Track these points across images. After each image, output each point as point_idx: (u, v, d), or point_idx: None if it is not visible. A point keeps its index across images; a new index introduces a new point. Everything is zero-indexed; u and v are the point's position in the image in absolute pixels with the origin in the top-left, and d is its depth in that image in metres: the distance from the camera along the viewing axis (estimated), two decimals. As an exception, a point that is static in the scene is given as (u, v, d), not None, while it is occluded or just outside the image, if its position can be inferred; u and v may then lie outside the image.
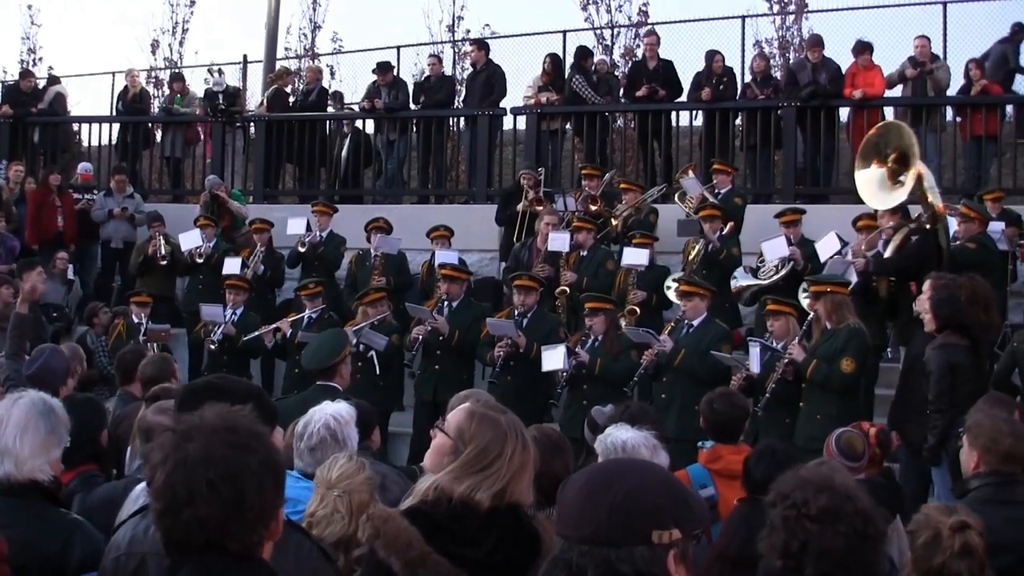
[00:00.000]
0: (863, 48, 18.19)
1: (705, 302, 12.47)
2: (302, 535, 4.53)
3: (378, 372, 13.51)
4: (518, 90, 20.49)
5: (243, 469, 3.23)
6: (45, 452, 4.85)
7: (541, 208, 16.41)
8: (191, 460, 3.21)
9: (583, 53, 20.14)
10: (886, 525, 4.12)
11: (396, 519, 4.19)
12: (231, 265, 16.52)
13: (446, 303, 13.80)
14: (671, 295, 14.50)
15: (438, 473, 4.34)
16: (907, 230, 12.49)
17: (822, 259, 13.65)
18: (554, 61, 20.17)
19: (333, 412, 6.23)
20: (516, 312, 13.34)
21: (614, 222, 16.20)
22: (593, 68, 19.94)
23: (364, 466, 5.55)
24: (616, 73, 22.17)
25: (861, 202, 16.93)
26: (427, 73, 21.43)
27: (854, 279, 12.74)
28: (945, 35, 20.30)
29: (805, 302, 12.14)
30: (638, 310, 14.07)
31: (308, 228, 16.94)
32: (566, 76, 19.78)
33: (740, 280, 14.47)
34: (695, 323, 12.31)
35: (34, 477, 4.77)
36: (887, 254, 12.45)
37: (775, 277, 14.07)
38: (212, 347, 14.86)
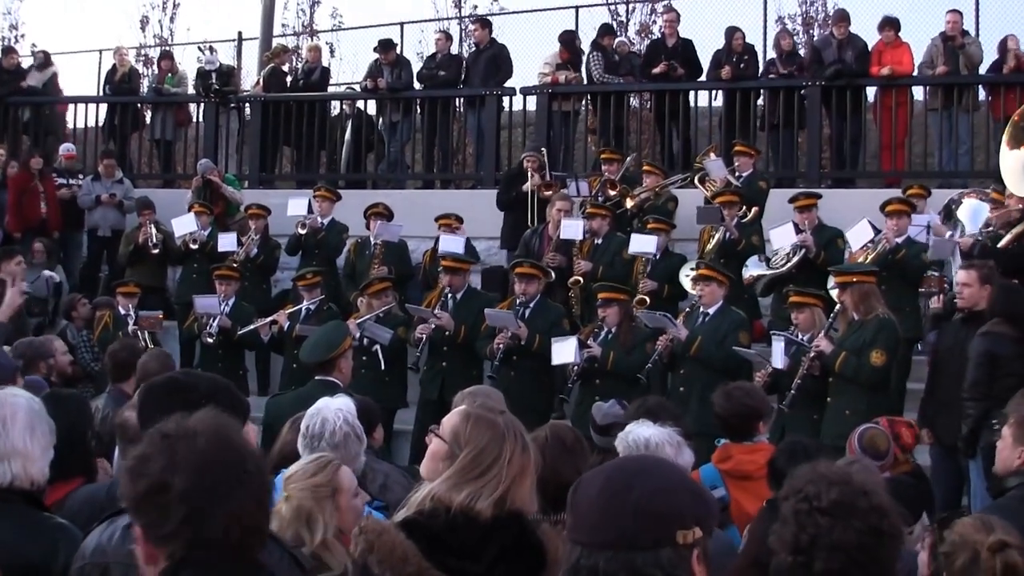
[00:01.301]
0: (887, 24, 18.16)
1: (723, 289, 12.46)
2: (273, 542, 4.50)
3: (383, 367, 13.46)
4: (527, 68, 20.51)
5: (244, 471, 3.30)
6: (47, 454, 4.84)
7: (550, 192, 16.38)
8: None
9: (604, 31, 20.13)
10: (905, 524, 4.09)
11: (391, 532, 4.13)
12: (226, 241, 16.57)
13: (449, 296, 13.76)
14: (687, 284, 14.46)
15: (435, 480, 4.29)
16: None
17: (854, 248, 13.57)
18: (573, 38, 20.18)
19: (343, 407, 6.23)
20: (517, 302, 13.31)
21: (630, 203, 16.14)
22: (614, 47, 19.90)
23: (324, 468, 5.44)
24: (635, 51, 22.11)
25: (889, 186, 17.01)
26: (434, 50, 21.38)
27: (958, 260, 12.70)
28: (977, 10, 20.25)
29: (834, 293, 12.08)
30: (648, 300, 13.88)
31: (310, 210, 16.90)
32: (585, 55, 19.75)
33: (752, 269, 14.36)
34: (711, 311, 12.31)
35: (36, 479, 4.75)
36: (1001, 243, 12.21)
37: (787, 266, 13.95)
38: (209, 340, 14.79)
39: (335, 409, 6.18)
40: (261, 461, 3.38)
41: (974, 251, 12.18)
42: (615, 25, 25.62)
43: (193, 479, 3.20)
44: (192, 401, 4.19)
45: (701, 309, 12.39)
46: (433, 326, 13.35)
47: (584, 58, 19.65)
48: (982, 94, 18.71)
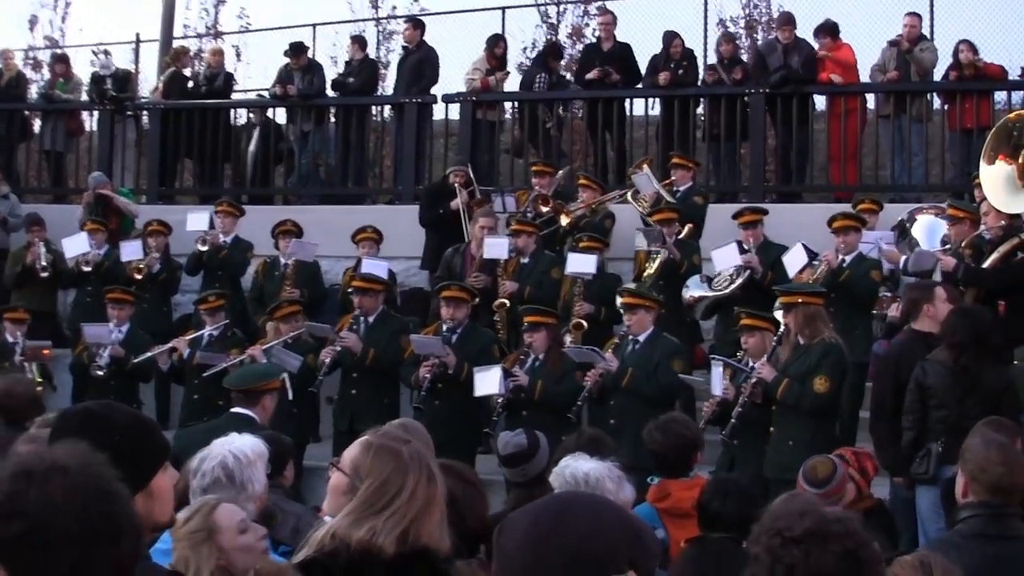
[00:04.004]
0: (823, 31, 18.35)
1: (651, 315, 12.44)
2: None
3: (291, 398, 13.19)
4: (450, 74, 20.49)
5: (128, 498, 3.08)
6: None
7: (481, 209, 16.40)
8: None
9: (553, 52, 20.27)
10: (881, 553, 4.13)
11: (288, 573, 4.15)
12: (129, 250, 16.55)
13: (361, 319, 13.76)
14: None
15: (337, 516, 4.28)
16: (1017, 240, 12.23)
17: (790, 275, 13.55)
18: (503, 43, 20.29)
19: (235, 449, 6.12)
20: (444, 327, 13.25)
21: (565, 220, 16.10)
22: (561, 70, 20.12)
23: (197, 512, 5.32)
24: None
25: (839, 200, 17.11)
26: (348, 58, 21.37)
27: (906, 279, 12.84)
28: (932, 14, 20.44)
29: (779, 314, 12.10)
30: (585, 324, 13.95)
31: (211, 225, 16.87)
32: (532, 74, 19.80)
33: (692, 290, 14.36)
34: (641, 339, 12.30)
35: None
36: (987, 263, 12.27)
37: (731, 287, 14.02)
38: (99, 373, 14.55)
39: (221, 450, 6.10)
40: (131, 500, 3.10)
41: (958, 273, 12.18)
42: (546, 28, 25.78)
43: (79, 521, 2.90)
44: (107, 436, 4.20)
45: (631, 338, 12.40)
46: (339, 348, 13.38)
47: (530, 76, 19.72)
48: (937, 103, 18.89)
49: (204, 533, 5.26)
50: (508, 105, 20.74)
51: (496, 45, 20.14)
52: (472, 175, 17.34)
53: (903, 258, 13.31)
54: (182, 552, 5.25)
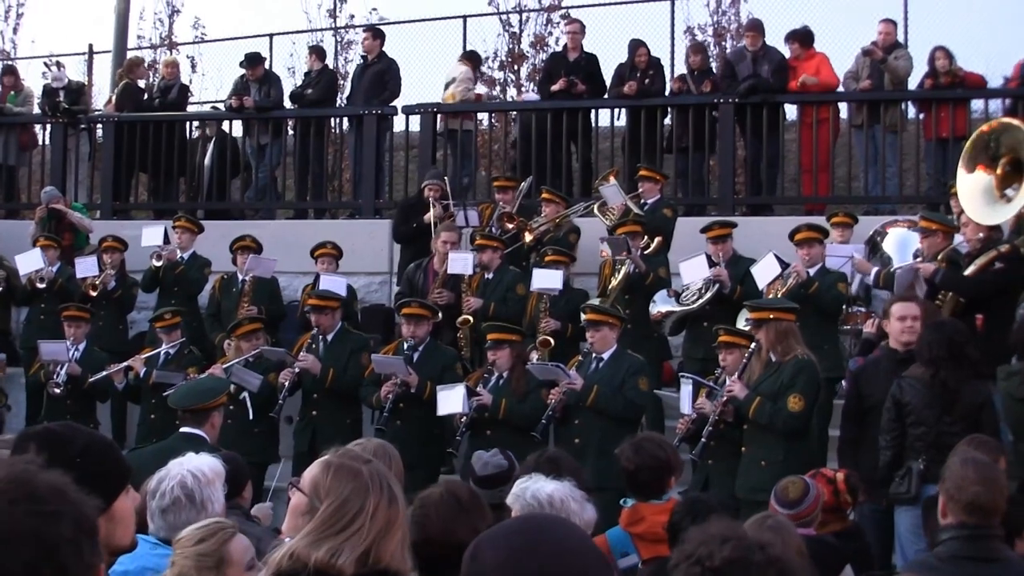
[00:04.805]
0: (793, 37, 18.39)
1: (615, 332, 12.43)
2: None
3: (251, 417, 13.32)
4: (409, 85, 20.44)
5: (59, 540, 2.83)
6: None
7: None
8: None
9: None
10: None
11: None
12: (84, 267, 16.46)
13: (320, 337, 13.73)
14: (590, 324, 14.52)
15: (296, 537, 4.26)
16: (996, 252, 12.22)
17: (760, 286, 13.59)
18: (476, 56, 20.38)
19: (193, 468, 6.10)
20: (405, 345, 13.24)
21: (528, 236, 16.04)
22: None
23: (213, 535, 5.32)
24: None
25: (810, 213, 17.12)
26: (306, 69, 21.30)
27: (884, 293, 12.83)
28: (906, 21, 20.51)
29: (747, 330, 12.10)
30: (551, 341, 13.79)
31: (166, 240, 16.79)
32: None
33: (660, 305, 14.30)
34: (605, 356, 12.29)
35: None
36: (968, 271, 12.27)
37: (699, 302, 13.96)
38: (56, 391, 14.49)
39: (179, 470, 6.09)
40: (83, 519, 2.92)
41: (936, 279, 12.24)
42: (508, 37, 25.83)
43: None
44: (67, 456, 4.17)
45: (594, 356, 12.38)
46: (297, 370, 13.35)
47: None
48: (912, 112, 18.91)
49: (214, 560, 5.27)
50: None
51: (478, 61, 20.21)
52: (448, 189, 17.22)
53: (874, 270, 13.32)
54: (183, 569, 5.24)
